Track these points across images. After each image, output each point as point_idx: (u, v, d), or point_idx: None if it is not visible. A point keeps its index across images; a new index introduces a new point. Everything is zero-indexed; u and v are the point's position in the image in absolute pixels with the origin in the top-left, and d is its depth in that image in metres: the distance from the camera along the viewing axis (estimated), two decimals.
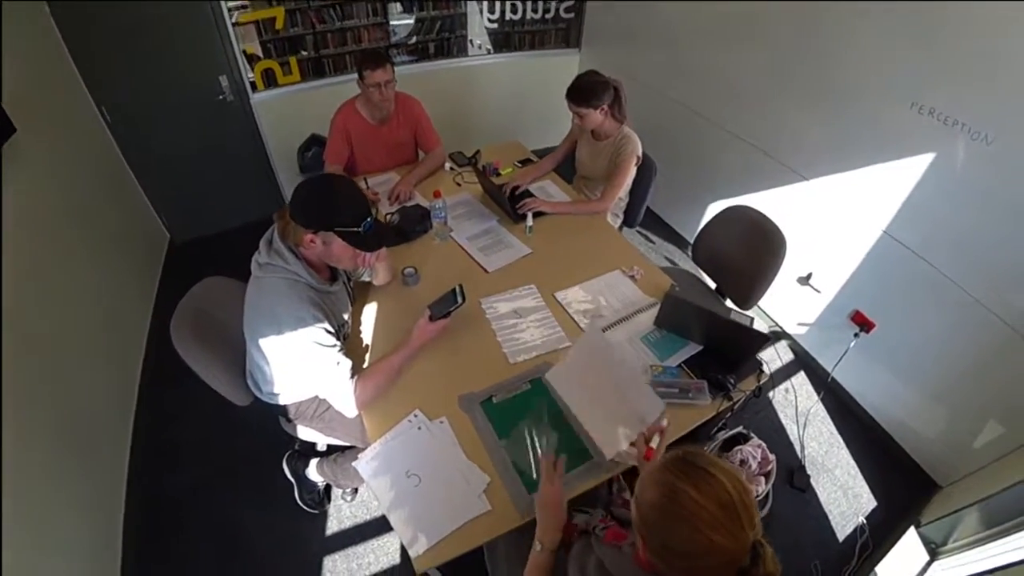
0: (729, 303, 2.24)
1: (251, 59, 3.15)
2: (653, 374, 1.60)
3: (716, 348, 1.68)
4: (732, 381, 1.57)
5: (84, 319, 2.23)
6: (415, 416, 1.50)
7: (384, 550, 2.00)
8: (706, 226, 2.34)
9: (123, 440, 2.27)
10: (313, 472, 2.04)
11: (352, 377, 1.49)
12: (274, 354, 1.48)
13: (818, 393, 2.61)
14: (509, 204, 2.27)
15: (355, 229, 1.38)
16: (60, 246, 2.21)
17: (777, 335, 2.94)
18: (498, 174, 2.69)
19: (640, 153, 2.30)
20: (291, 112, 3.35)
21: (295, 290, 1.40)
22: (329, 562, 1.98)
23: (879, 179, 2.18)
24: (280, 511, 2.10)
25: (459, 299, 1.60)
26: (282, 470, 2.12)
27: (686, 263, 3.33)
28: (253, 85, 3.21)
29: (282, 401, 1.67)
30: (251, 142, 3.40)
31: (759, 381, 1.65)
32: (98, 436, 2.09)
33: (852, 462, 2.37)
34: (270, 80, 3.26)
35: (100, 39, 2.68)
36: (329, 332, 1.44)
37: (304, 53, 3.31)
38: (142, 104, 2.97)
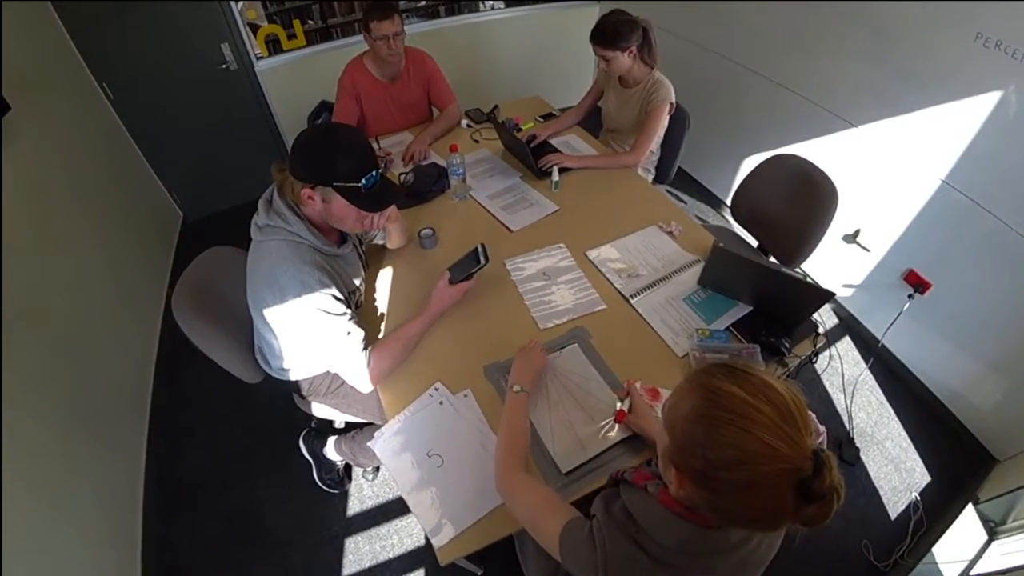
0: (773, 261, 2.07)
1: (253, 27, 3.01)
2: (699, 338, 1.44)
3: (768, 309, 1.52)
4: (787, 344, 1.41)
5: (97, 301, 2.19)
6: (436, 389, 1.38)
7: (408, 531, 1.93)
8: (747, 178, 2.15)
9: (141, 423, 2.23)
10: (331, 451, 1.95)
11: (365, 348, 1.37)
12: (279, 325, 1.36)
13: (866, 360, 2.45)
14: (532, 159, 2.11)
15: (355, 185, 1.23)
16: (68, 228, 2.14)
17: None
18: (519, 130, 2.52)
19: (673, 100, 2.12)
20: (298, 79, 3.21)
21: (298, 253, 1.27)
22: (351, 544, 1.91)
23: (938, 123, 1.97)
24: (299, 491, 2.04)
25: (481, 259, 1.48)
26: (300, 449, 2.04)
27: (721, 224, 3.14)
28: (257, 54, 3.08)
29: (293, 377, 1.56)
30: (259, 112, 3.29)
31: (815, 345, 1.50)
32: (116, 420, 2.05)
33: (904, 434, 2.22)
34: (275, 47, 3.14)
35: (97, 13, 2.56)
36: (338, 299, 1.32)
37: (311, 23, 3.18)
38: (144, 79, 2.86)
